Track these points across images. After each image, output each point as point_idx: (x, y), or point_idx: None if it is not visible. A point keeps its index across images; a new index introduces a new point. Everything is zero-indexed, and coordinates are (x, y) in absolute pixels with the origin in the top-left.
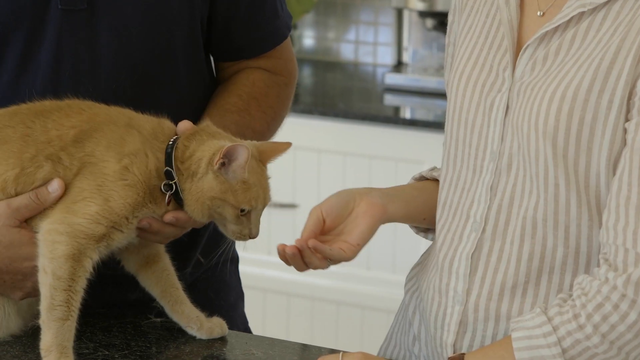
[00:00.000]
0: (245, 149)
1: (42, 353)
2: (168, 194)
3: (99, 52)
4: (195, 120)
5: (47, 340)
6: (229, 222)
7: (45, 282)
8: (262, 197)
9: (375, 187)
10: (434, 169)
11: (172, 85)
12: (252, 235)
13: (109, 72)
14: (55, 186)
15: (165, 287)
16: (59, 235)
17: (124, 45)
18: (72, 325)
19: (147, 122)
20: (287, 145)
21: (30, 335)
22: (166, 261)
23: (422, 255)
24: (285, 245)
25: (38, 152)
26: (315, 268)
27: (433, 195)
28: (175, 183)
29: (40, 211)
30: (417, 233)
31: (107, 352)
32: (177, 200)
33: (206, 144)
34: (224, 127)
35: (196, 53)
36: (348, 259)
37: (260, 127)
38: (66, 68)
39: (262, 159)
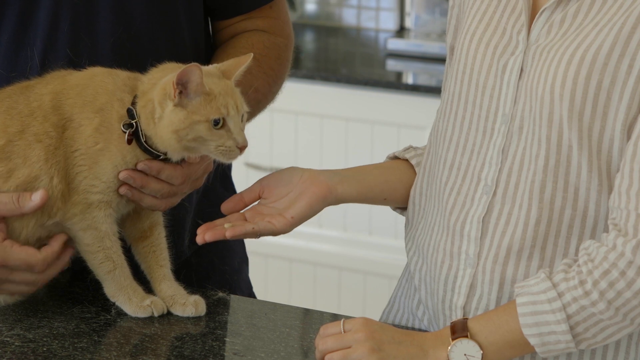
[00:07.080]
0: (195, 66)
1: (110, 299)
2: (128, 131)
3: (97, 6)
4: None
5: (108, 289)
6: (208, 141)
7: (81, 250)
8: (233, 103)
9: (329, 169)
10: (408, 149)
11: (172, 40)
12: (239, 144)
13: (107, 27)
14: (37, 196)
15: (150, 263)
16: (74, 216)
17: None
18: (123, 270)
19: (131, 73)
20: (248, 57)
21: (32, 300)
22: (158, 237)
23: (409, 217)
24: (204, 234)
25: (24, 127)
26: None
27: (398, 175)
28: (136, 122)
29: (15, 216)
30: (393, 209)
31: (109, 317)
32: (144, 149)
33: (157, 84)
34: None
35: (195, 7)
36: (279, 232)
37: (262, 86)
38: (65, 24)
39: (226, 76)
